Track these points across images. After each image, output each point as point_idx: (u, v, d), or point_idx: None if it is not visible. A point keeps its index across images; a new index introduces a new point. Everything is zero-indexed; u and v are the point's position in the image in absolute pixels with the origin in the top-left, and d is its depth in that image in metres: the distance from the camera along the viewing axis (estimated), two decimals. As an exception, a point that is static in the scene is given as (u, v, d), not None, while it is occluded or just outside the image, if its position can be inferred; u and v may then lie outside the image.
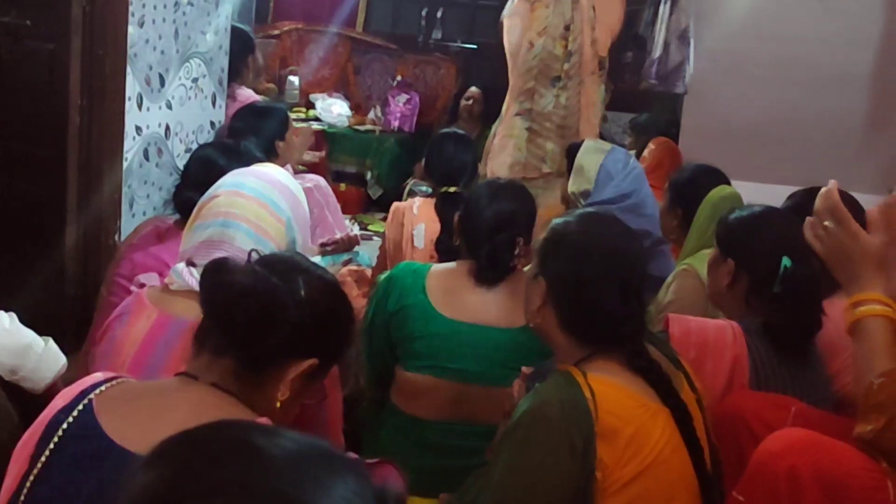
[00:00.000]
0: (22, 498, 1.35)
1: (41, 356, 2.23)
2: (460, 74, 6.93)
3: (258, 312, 1.42)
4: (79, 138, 3.32)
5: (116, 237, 3.39)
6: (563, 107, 4.52)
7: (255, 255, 1.55)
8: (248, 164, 2.33)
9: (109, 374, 1.46)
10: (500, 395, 2.15)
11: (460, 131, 3.80)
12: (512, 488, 1.68)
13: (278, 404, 1.47)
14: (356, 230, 5.47)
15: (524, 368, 2.15)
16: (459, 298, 2.54)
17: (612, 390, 1.67)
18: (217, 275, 1.44)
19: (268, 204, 2.02)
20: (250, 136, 3.44)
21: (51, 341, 2.29)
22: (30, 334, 2.26)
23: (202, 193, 2.10)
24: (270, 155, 3.50)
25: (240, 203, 1.99)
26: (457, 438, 2.52)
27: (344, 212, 6.00)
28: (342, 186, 6.40)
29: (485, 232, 2.54)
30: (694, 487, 1.74)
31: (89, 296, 3.30)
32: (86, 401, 1.38)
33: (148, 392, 1.43)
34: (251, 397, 1.43)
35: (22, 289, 3.45)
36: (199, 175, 2.70)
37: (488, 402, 2.42)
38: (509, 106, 4.62)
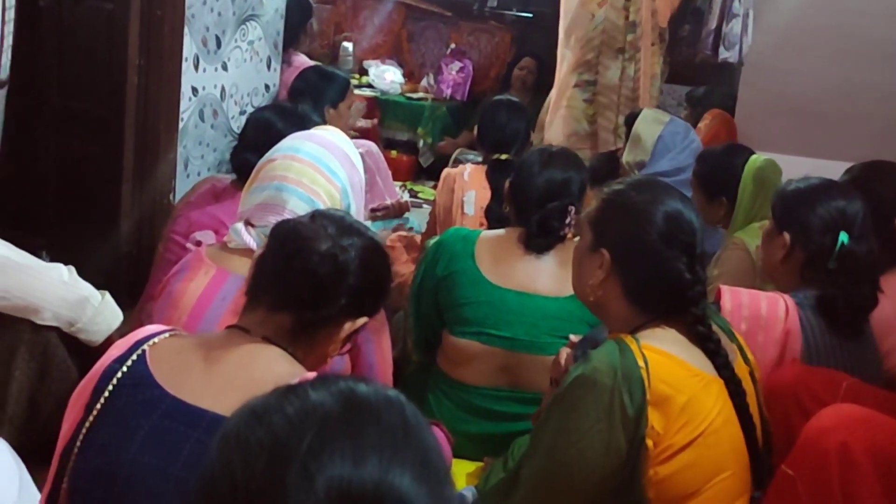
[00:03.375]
0: (78, 444, 1.38)
1: (98, 309, 2.28)
2: (515, 43, 6.86)
3: (328, 278, 1.45)
4: (136, 98, 3.36)
5: (171, 196, 3.43)
6: (629, 79, 4.48)
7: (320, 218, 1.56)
8: (305, 127, 2.33)
9: (162, 327, 1.48)
10: (547, 363, 2.15)
11: (514, 99, 3.77)
12: (561, 453, 1.67)
13: (328, 359, 1.50)
14: (406, 197, 5.50)
15: (571, 337, 2.15)
16: (508, 266, 2.54)
17: (665, 359, 1.66)
18: (291, 243, 1.47)
19: (323, 169, 2.02)
20: (309, 98, 3.45)
21: (107, 295, 2.34)
22: (87, 287, 2.30)
23: (259, 155, 2.12)
24: (321, 120, 3.51)
25: (295, 167, 2.00)
26: (503, 404, 2.53)
27: (395, 179, 6.01)
28: (393, 153, 6.40)
29: (535, 199, 2.53)
30: (744, 459, 1.73)
31: (144, 253, 3.35)
32: (139, 351, 1.41)
33: (199, 344, 1.45)
34: (302, 352, 1.45)
35: (78, 246, 3.51)
36: (256, 137, 2.72)
37: (535, 369, 2.42)
38: (565, 77, 4.57)
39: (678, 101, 5.89)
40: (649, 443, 1.60)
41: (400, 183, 6.01)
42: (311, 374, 1.41)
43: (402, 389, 2.63)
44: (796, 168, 3.01)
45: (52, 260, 3.18)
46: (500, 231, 2.64)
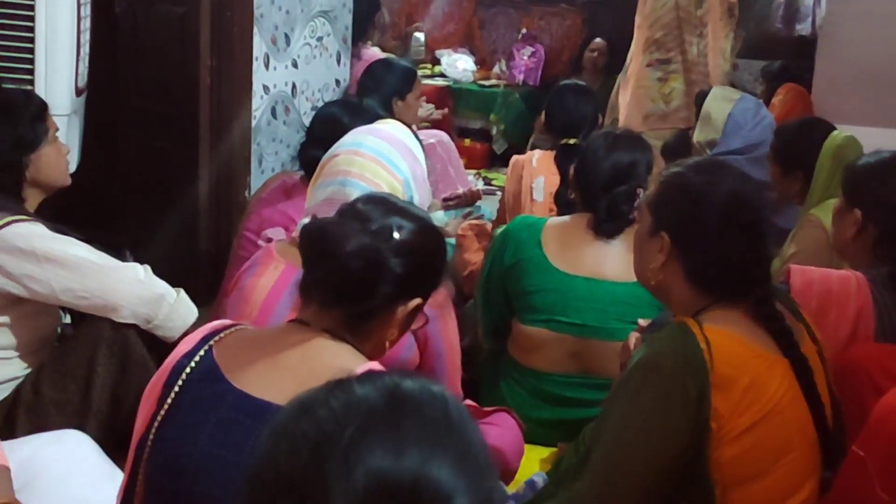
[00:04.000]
0: (151, 437, 1.43)
1: (173, 306, 2.35)
2: (586, 26, 6.81)
3: (363, 276, 1.45)
4: (209, 98, 3.45)
5: (246, 193, 3.51)
6: (701, 55, 4.43)
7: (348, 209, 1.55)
8: (370, 121, 2.37)
9: (228, 322, 1.53)
10: (617, 349, 2.14)
11: (581, 83, 3.75)
12: (626, 437, 1.68)
13: (387, 344, 1.51)
14: (480, 185, 5.51)
15: (640, 321, 2.14)
16: (576, 252, 2.53)
17: (727, 340, 1.65)
18: (319, 244, 1.47)
19: (385, 163, 2.05)
20: (375, 92, 3.49)
21: (182, 292, 2.41)
22: (162, 285, 2.37)
23: (325, 151, 2.15)
24: (389, 112, 3.55)
25: (358, 162, 2.03)
26: (574, 390, 2.53)
27: (468, 167, 6.05)
28: (467, 142, 6.42)
29: (602, 184, 2.52)
30: (812, 440, 1.70)
31: (222, 250, 3.44)
32: (207, 346, 1.46)
33: (263, 338, 1.49)
34: (360, 341, 1.48)
35: (158, 244, 3.62)
36: (323, 133, 2.76)
37: (606, 355, 2.42)
38: (636, 57, 4.53)
39: (755, 77, 5.78)
40: (713, 425, 1.59)
41: (474, 171, 6.03)
42: (373, 364, 1.44)
43: (475, 377, 2.66)
44: (874, 140, 2.94)
45: (136, 258, 3.30)
46: (567, 217, 2.63)
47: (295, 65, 3.70)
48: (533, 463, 2.43)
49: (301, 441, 0.83)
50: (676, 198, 1.76)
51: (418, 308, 1.52)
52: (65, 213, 3.47)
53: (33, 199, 2.42)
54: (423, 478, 0.79)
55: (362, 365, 1.42)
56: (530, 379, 2.60)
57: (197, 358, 1.45)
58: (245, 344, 1.47)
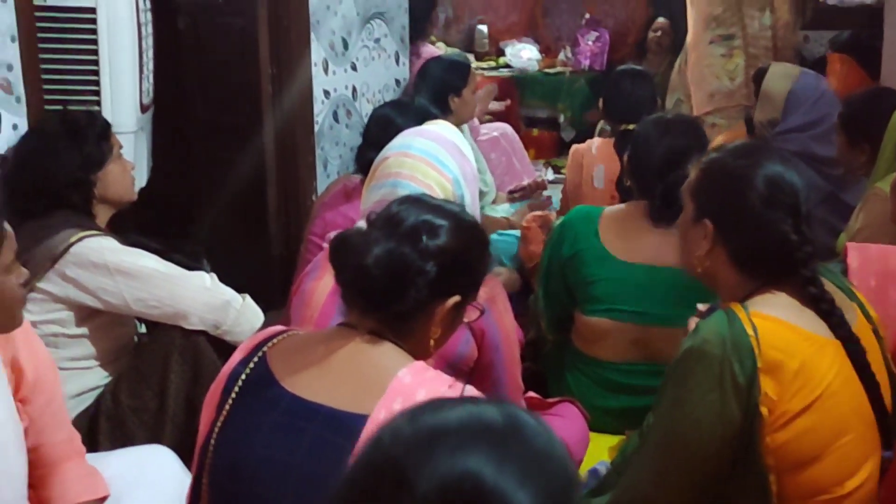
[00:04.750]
0: (212, 442, 1.50)
1: (240, 311, 2.43)
2: (651, 6, 6.73)
3: (388, 283, 1.47)
4: (272, 106, 3.53)
5: (313, 197, 3.59)
6: (764, 28, 4.35)
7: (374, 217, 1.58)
8: (422, 121, 2.41)
9: (280, 328, 1.58)
10: (680, 335, 2.12)
11: (637, 67, 3.75)
12: (676, 426, 1.69)
13: (432, 342, 1.54)
14: (549, 175, 5.52)
15: (699, 306, 2.13)
16: (633, 240, 2.54)
17: (775, 324, 1.64)
18: (342, 255, 1.51)
19: (434, 162, 2.08)
20: (428, 91, 3.53)
21: (248, 298, 2.49)
22: (228, 292, 2.45)
23: (380, 152, 2.20)
24: (445, 110, 3.59)
25: (408, 163, 2.07)
26: (640, 378, 2.54)
27: (537, 156, 6.06)
28: (534, 131, 6.43)
29: (657, 170, 2.51)
30: (869, 420, 1.69)
31: (292, 254, 3.52)
32: (260, 353, 1.52)
33: (313, 342, 1.54)
34: (405, 340, 1.51)
35: (231, 250, 3.73)
36: (377, 134, 2.82)
37: (670, 341, 2.39)
38: (697, 34, 4.47)
39: (826, 48, 5.66)
40: (764, 410, 1.59)
41: (543, 160, 6.03)
42: (419, 363, 1.48)
43: (542, 368, 2.67)
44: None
45: (212, 265, 3.40)
46: (622, 206, 2.64)
47: (354, 68, 3.76)
48: (601, 451, 2.45)
49: (390, 451, 0.83)
50: (716, 184, 1.76)
51: (459, 305, 1.55)
52: (143, 223, 3.62)
53: (103, 214, 2.53)
54: (505, 495, 0.79)
55: (408, 364, 1.46)
56: (595, 368, 2.61)
57: (252, 364, 1.51)
58: (296, 348, 1.52)
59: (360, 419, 1.39)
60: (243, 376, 1.50)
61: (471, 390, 1.45)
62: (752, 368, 1.60)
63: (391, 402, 1.39)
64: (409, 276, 1.47)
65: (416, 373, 1.44)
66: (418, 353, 1.52)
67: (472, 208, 2.11)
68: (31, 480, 1.88)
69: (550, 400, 2.48)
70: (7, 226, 1.74)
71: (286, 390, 1.46)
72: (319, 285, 2.09)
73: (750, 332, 1.62)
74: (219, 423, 1.50)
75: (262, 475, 1.43)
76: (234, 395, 1.50)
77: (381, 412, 1.39)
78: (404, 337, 1.51)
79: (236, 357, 1.55)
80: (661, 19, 6.23)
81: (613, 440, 2.49)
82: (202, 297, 2.39)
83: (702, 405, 1.64)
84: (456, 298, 1.52)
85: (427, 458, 0.80)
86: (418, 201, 1.60)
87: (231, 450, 1.47)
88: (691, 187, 1.81)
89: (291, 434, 1.43)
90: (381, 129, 2.83)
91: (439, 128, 2.21)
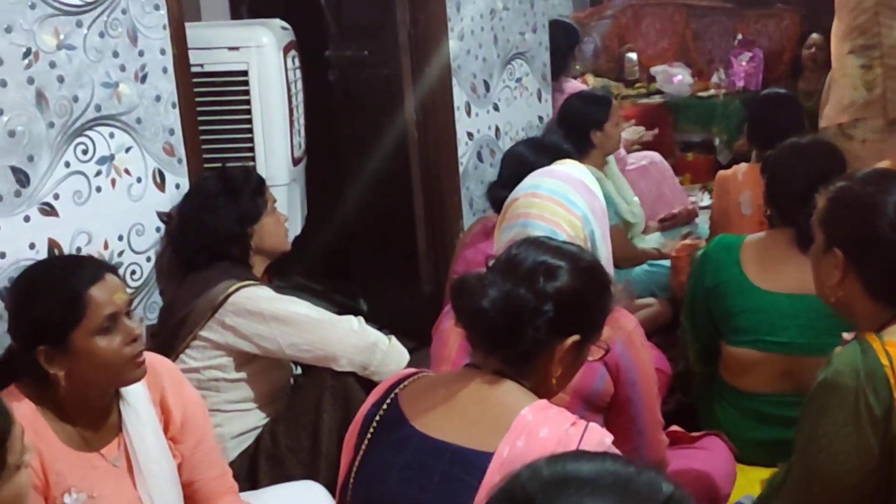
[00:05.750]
0: (351, 480, 1.59)
1: (386, 352, 2.53)
2: (805, 23, 6.55)
3: (506, 324, 1.52)
4: (418, 150, 3.66)
5: (460, 236, 3.68)
6: None
7: (491, 262, 1.64)
8: (553, 158, 2.46)
9: (410, 371, 1.67)
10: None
11: (782, 90, 3.67)
12: (812, 458, 1.67)
13: (553, 381, 1.58)
14: (706, 200, 5.43)
15: (845, 335, 2.08)
16: (777, 269, 2.50)
17: (910, 354, 1.61)
18: (461, 298, 1.58)
19: (563, 201, 2.12)
20: (570, 126, 3.58)
21: (394, 339, 2.59)
22: (375, 333, 2.56)
23: (511, 189, 2.26)
24: (587, 145, 3.61)
25: (536, 203, 2.12)
26: (789, 410, 2.46)
27: (693, 181, 5.98)
28: (689, 156, 6.34)
29: (798, 197, 2.46)
30: None
31: (441, 293, 3.61)
32: (392, 395, 1.60)
33: (441, 383, 1.61)
34: (528, 379, 1.56)
35: (384, 290, 3.88)
36: (509, 172, 2.89)
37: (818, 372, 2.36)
38: (837, 46, 4.32)
39: None
40: (902, 441, 1.56)
41: (700, 185, 5.94)
42: (542, 402, 1.52)
43: (693, 399, 2.64)
44: None
45: (368, 304, 3.54)
46: (763, 234, 2.60)
47: (496, 108, 3.84)
48: (752, 484, 2.41)
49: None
50: (845, 212, 1.74)
51: (580, 344, 1.58)
52: (304, 267, 3.82)
53: (259, 264, 2.69)
54: None
55: (531, 403, 1.50)
56: (743, 400, 2.57)
57: (385, 406, 1.60)
58: (425, 389, 1.60)
59: (485, 456, 1.45)
60: (377, 417, 1.59)
61: (594, 427, 1.49)
62: (889, 399, 1.57)
63: (515, 440, 1.45)
64: (526, 316, 1.52)
65: (539, 411, 1.49)
66: (541, 391, 1.56)
67: (603, 244, 2.14)
68: (190, 516, 2.03)
69: (695, 434, 2.46)
70: (95, 293, 1.81)
71: (416, 430, 1.54)
72: (456, 325, 2.17)
73: (885, 361, 1.59)
74: (356, 462, 1.59)
75: (395, 512, 1.51)
76: (369, 435, 1.59)
77: (504, 449, 1.44)
78: (527, 375, 1.56)
79: (371, 399, 1.64)
80: (814, 35, 6.05)
81: (765, 473, 2.43)
82: (350, 340, 2.50)
83: (838, 439, 1.62)
84: (575, 338, 1.56)
85: (557, 496, 0.84)
86: (537, 243, 1.64)
87: (367, 487, 1.56)
88: (820, 216, 1.79)
89: (421, 472, 1.50)
90: (514, 166, 2.89)
91: (568, 167, 2.25)
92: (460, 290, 1.58)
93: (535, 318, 1.52)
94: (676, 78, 6.68)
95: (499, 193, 2.68)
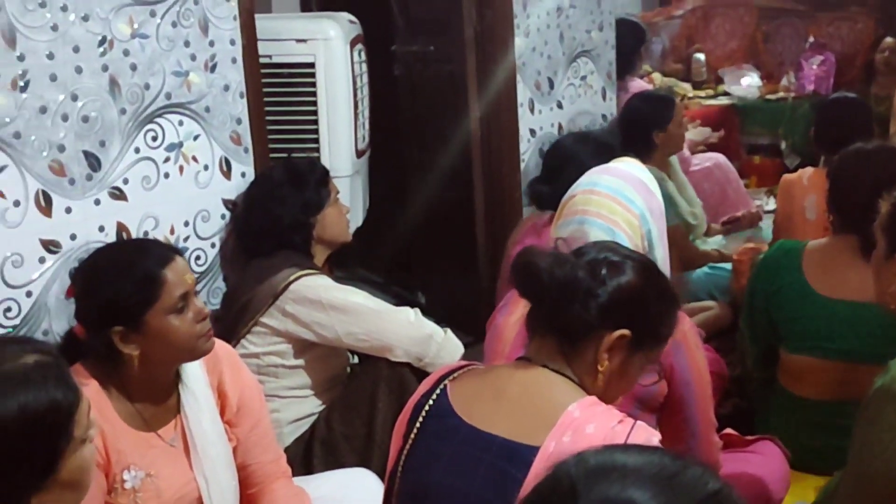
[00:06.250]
0: (399, 469, 1.62)
1: (441, 345, 2.56)
2: (879, 26, 6.41)
3: (558, 295, 1.54)
4: (481, 147, 3.67)
5: (511, 236, 3.69)
6: None
7: (561, 244, 1.67)
8: (598, 152, 2.44)
9: (461, 363, 1.68)
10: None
11: (850, 95, 3.61)
12: (866, 466, 1.66)
13: (600, 375, 1.58)
14: (771, 204, 5.36)
15: (904, 344, 2.06)
16: (839, 275, 2.47)
17: (969, 363, 1.58)
18: (523, 263, 1.59)
19: (621, 199, 2.12)
20: (632, 126, 3.56)
21: (449, 331, 2.61)
22: (431, 326, 2.59)
23: (550, 184, 2.25)
24: (649, 145, 3.60)
25: (594, 200, 2.12)
26: (846, 418, 2.41)
27: (759, 184, 5.90)
28: (756, 159, 6.26)
29: (863, 204, 2.42)
30: None
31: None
32: (442, 386, 1.62)
33: (490, 376, 1.63)
34: (574, 371, 1.57)
35: (444, 283, 3.90)
36: (551, 164, 2.88)
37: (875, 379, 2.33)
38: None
39: None
40: (957, 452, 1.54)
41: (765, 188, 5.87)
42: (591, 398, 1.53)
43: (750, 404, 2.63)
44: None
45: (426, 296, 3.58)
46: (826, 240, 2.57)
47: (560, 105, 3.84)
48: (807, 491, 2.39)
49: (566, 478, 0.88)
50: None
51: (632, 348, 1.58)
52: (366, 259, 3.86)
53: (320, 254, 2.74)
54: None
55: (579, 399, 1.51)
56: (800, 407, 2.55)
57: (434, 397, 1.61)
58: (475, 382, 1.62)
59: (532, 450, 1.46)
60: (426, 408, 1.61)
61: (641, 425, 1.49)
62: (944, 409, 1.55)
63: (561, 435, 1.45)
64: (579, 294, 1.54)
65: (587, 407, 1.50)
66: (586, 383, 1.57)
67: (659, 244, 2.14)
68: (244, 499, 2.08)
69: (749, 438, 2.45)
70: (168, 274, 1.87)
71: (464, 421, 1.56)
72: (510, 320, 2.18)
73: (943, 371, 1.57)
74: (405, 451, 1.61)
75: (442, 501, 1.53)
76: (418, 425, 1.61)
77: (551, 444, 1.45)
78: (574, 364, 1.57)
79: (421, 389, 1.66)
80: (889, 39, 5.92)
81: (820, 481, 2.41)
82: (406, 331, 2.53)
83: (893, 446, 1.60)
84: (625, 332, 1.56)
85: (600, 481, 0.86)
86: (609, 245, 1.67)
87: (415, 476, 1.58)
88: (883, 223, 1.78)
89: (468, 463, 1.52)
90: (555, 159, 2.89)
91: (626, 165, 2.25)
92: (525, 266, 1.59)
93: (588, 298, 1.54)
94: (745, 80, 6.60)
95: (540, 188, 2.69)
